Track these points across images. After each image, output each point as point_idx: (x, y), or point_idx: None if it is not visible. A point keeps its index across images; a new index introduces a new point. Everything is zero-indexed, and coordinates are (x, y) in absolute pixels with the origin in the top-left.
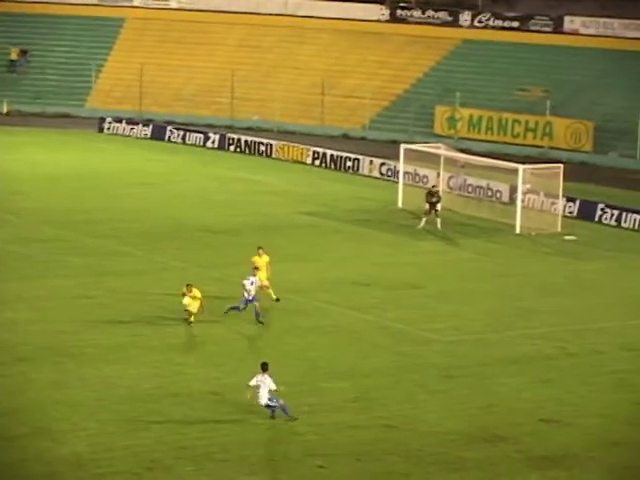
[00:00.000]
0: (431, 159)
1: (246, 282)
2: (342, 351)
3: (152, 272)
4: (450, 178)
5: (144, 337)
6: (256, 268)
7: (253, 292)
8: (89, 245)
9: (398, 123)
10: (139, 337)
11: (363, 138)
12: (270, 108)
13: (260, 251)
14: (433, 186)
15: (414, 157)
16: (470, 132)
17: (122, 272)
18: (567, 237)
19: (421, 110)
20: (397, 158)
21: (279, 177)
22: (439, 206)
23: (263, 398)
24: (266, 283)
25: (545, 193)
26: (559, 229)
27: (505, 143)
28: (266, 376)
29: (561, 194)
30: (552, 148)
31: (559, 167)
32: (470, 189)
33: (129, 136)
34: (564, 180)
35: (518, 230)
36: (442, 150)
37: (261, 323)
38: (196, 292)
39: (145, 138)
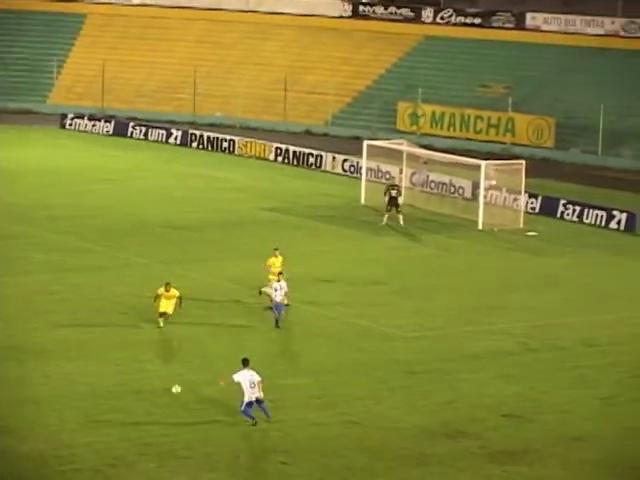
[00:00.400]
0: (394, 155)
1: (270, 290)
2: (305, 348)
3: (114, 268)
4: (413, 174)
5: (106, 334)
6: (280, 273)
7: (279, 298)
8: (51, 241)
9: (361, 119)
10: (101, 334)
11: (326, 134)
12: (233, 104)
13: (276, 252)
14: (392, 184)
15: (377, 153)
16: (433, 128)
17: (84, 268)
18: (529, 233)
19: (384, 106)
20: (360, 154)
21: (242, 173)
22: (400, 201)
23: (259, 392)
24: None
25: (507, 189)
26: (521, 225)
27: (467, 139)
28: (251, 371)
29: (523, 190)
30: (514, 144)
31: (521, 163)
32: (433, 185)
33: (91, 132)
34: (526, 176)
35: (480, 226)
36: (405, 146)
37: (278, 327)
38: (174, 291)
39: (107, 134)
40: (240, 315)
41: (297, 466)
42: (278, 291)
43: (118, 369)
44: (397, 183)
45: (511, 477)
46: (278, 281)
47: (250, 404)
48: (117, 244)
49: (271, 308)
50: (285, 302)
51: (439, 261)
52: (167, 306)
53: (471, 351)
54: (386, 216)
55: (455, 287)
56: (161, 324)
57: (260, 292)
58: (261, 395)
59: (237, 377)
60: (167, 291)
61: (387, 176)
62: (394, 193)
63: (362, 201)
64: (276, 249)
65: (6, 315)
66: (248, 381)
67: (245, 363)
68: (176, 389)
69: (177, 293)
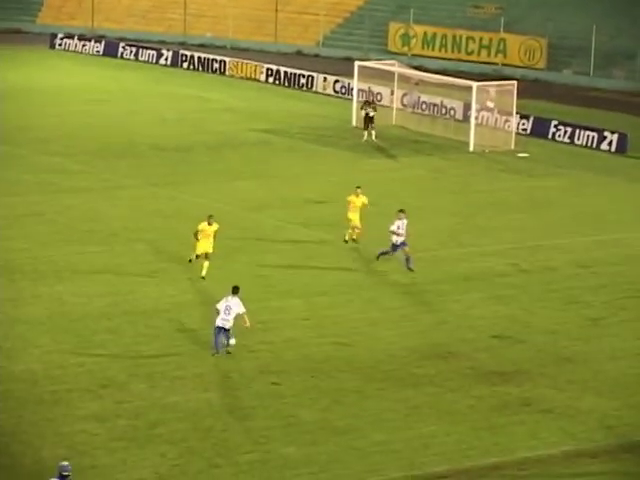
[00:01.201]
0: (385, 76)
1: (392, 227)
2: (296, 269)
3: (105, 190)
4: (404, 95)
5: (97, 255)
6: (401, 211)
7: (402, 238)
8: (41, 163)
9: (352, 40)
10: (92, 255)
11: (317, 55)
12: (223, 25)
13: (358, 190)
14: (367, 100)
15: (368, 74)
16: (424, 49)
17: (74, 190)
18: (520, 154)
19: (375, 27)
20: (351, 75)
21: (232, 94)
22: (374, 117)
23: (229, 322)
24: (357, 224)
25: (499, 110)
26: (512, 146)
27: (459, 60)
28: (236, 299)
29: (515, 111)
30: (506, 65)
31: (513, 84)
32: (424, 106)
33: (81, 52)
34: (517, 97)
35: (472, 148)
36: (396, 67)
37: (411, 270)
38: (216, 225)
39: (97, 55)
40: (232, 237)
41: (288, 386)
42: (401, 229)
43: (109, 290)
44: (371, 100)
45: (501, 397)
46: (400, 219)
47: (218, 330)
48: (107, 166)
49: (387, 252)
50: (346, 239)
51: (430, 182)
52: (207, 245)
53: (462, 273)
54: (365, 133)
55: (446, 208)
56: (193, 258)
57: (346, 241)
58: (229, 325)
59: (219, 304)
60: (210, 224)
61: (378, 97)
62: (369, 109)
63: (353, 122)
64: (358, 187)
65: None
66: (224, 306)
67: (234, 291)
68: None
69: (216, 226)
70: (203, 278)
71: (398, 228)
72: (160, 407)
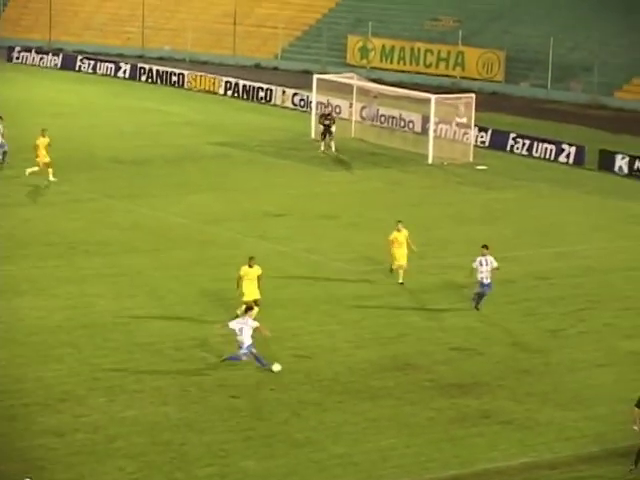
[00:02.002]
0: (344, 89)
1: (475, 264)
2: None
3: (63, 203)
4: (363, 108)
5: (56, 268)
6: (484, 247)
7: (487, 279)
8: None
9: (311, 53)
10: (51, 268)
11: (276, 68)
12: (182, 38)
13: (400, 225)
14: (324, 113)
15: (327, 87)
16: (383, 62)
17: (33, 203)
18: (479, 167)
19: (334, 40)
20: (310, 88)
21: (191, 108)
22: (333, 128)
23: (247, 339)
24: (403, 263)
25: (457, 123)
26: (471, 159)
27: (417, 73)
28: (247, 318)
29: (473, 124)
30: (464, 78)
31: (471, 97)
32: (383, 119)
33: (39, 66)
34: (476, 110)
35: (430, 160)
36: (355, 80)
37: (477, 309)
38: (258, 268)
39: (55, 68)
40: (189, 249)
41: (247, 400)
42: (484, 266)
43: (68, 303)
44: (330, 112)
45: (460, 409)
46: (482, 255)
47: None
48: (65, 179)
49: (479, 294)
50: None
51: (389, 195)
52: (254, 291)
53: (421, 285)
54: (322, 144)
55: (405, 221)
56: (240, 311)
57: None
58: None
59: (232, 324)
60: (250, 267)
61: (337, 110)
62: (327, 122)
63: (312, 135)
64: (400, 221)
65: None
66: (238, 328)
67: (247, 310)
68: (276, 367)
69: (260, 270)
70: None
71: (481, 265)
72: (119, 421)
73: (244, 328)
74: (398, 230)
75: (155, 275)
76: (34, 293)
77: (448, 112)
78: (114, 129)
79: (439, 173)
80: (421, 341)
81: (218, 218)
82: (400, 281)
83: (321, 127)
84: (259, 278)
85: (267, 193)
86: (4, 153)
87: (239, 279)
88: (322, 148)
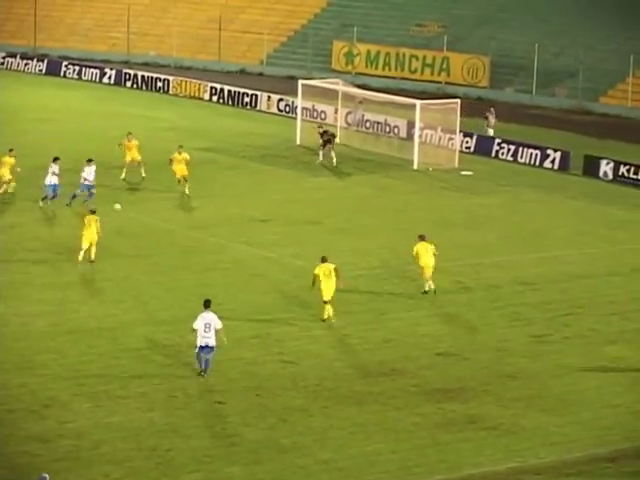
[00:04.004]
0: (329, 95)
1: None
2: (240, 288)
3: (47, 209)
4: (348, 114)
5: (39, 275)
6: None
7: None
8: None
9: (296, 59)
10: (35, 275)
11: (261, 74)
12: (167, 43)
13: (423, 239)
14: (320, 126)
15: (312, 93)
16: (368, 68)
17: (18, 209)
18: (464, 172)
19: (319, 46)
20: (295, 94)
21: (176, 113)
22: (335, 141)
23: (211, 339)
24: (429, 275)
25: (442, 128)
26: (456, 164)
27: (403, 79)
28: (212, 313)
29: (458, 129)
30: (449, 84)
31: (456, 103)
32: (368, 125)
33: (24, 71)
34: (461, 115)
35: (416, 165)
36: (340, 86)
37: None
38: (329, 266)
39: (40, 74)
40: (175, 255)
41: (233, 405)
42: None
43: (52, 309)
44: (327, 129)
45: (446, 414)
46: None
47: (201, 349)
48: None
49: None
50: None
51: (375, 200)
52: (330, 288)
53: (407, 290)
54: (321, 154)
55: (390, 226)
56: (329, 315)
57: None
58: (213, 342)
59: (195, 323)
60: (323, 262)
61: (322, 116)
62: (326, 137)
63: (297, 141)
64: (421, 236)
65: None
66: (202, 324)
67: (206, 305)
68: (118, 207)
69: (333, 266)
70: (324, 320)
71: None
72: (104, 426)
73: (211, 324)
74: (423, 243)
75: (140, 280)
76: (18, 299)
77: (433, 118)
78: (100, 135)
79: (424, 178)
80: (407, 346)
81: (204, 224)
82: (425, 289)
83: (320, 141)
84: (337, 274)
85: (252, 198)
86: (54, 194)
87: (314, 278)
88: (320, 159)
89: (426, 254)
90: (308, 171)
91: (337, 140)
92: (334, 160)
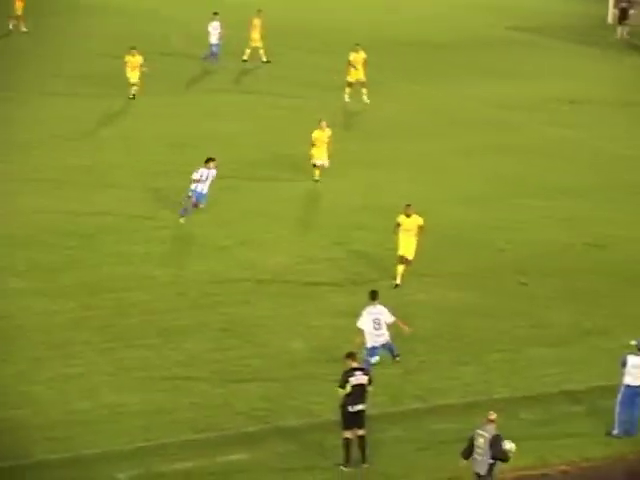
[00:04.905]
0: None
1: None
2: (550, 168)
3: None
4: None
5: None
6: None
7: None
8: (291, 56)
9: None
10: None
11: None
12: None
13: None
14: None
15: None
16: None
17: (323, 85)
18: None
19: None
20: None
21: None
22: (631, 12)
23: (375, 337)
24: None
25: None
26: None
27: None
28: (380, 306)
29: None
30: None
31: None
32: None
33: None
34: None
35: None
36: None
37: None
38: (417, 218)
39: None
40: (482, 134)
41: (538, 287)
42: None
43: (360, 189)
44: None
45: None
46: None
47: (374, 350)
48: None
49: None
50: None
51: None
52: (409, 246)
53: None
54: (618, 29)
55: None
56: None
57: None
58: (386, 339)
59: (360, 323)
60: (408, 216)
61: None
62: (624, 4)
63: (609, 20)
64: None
65: None
66: (372, 322)
67: (373, 297)
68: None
69: (420, 220)
70: (397, 286)
71: None
72: (413, 304)
73: (380, 320)
74: None
75: (445, 160)
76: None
77: None
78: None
79: None
80: None
81: (511, 104)
82: None
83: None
84: (420, 229)
85: (562, 79)
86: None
87: (396, 227)
88: (619, 34)
89: None
90: (618, 51)
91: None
92: (625, 34)
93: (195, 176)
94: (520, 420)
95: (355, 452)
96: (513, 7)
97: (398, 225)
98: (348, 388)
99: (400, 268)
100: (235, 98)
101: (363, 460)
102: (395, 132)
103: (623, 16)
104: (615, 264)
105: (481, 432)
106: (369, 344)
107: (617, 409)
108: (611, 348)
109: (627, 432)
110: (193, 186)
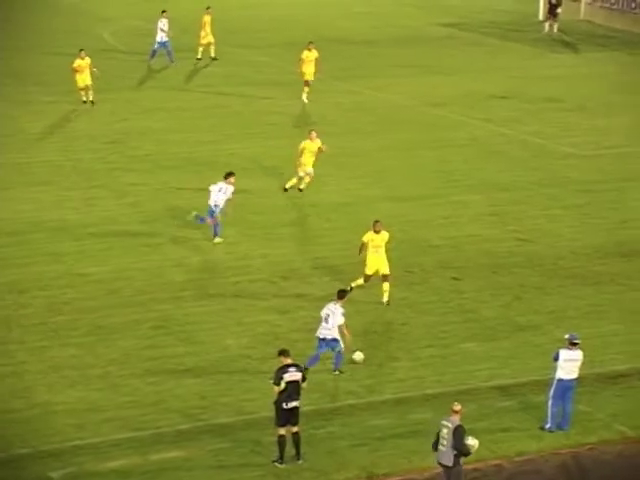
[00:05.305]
0: None
1: None
2: (477, 164)
3: (288, 84)
4: None
5: (279, 149)
6: None
7: None
8: (228, 53)
9: None
10: (273, 148)
11: None
12: None
13: None
14: None
15: None
16: None
17: (258, 82)
18: None
19: None
20: None
21: None
22: (559, 10)
23: (323, 330)
24: None
25: None
26: None
27: None
28: (338, 306)
29: None
30: None
31: None
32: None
33: None
34: None
35: None
36: None
37: None
38: (385, 235)
39: None
40: (413, 131)
41: (468, 282)
42: None
43: None
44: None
45: None
46: None
47: (321, 341)
48: (293, 58)
49: None
50: None
51: (619, 78)
52: (380, 262)
53: None
54: (546, 24)
55: (635, 105)
56: (359, 282)
57: None
58: (333, 337)
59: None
60: (376, 232)
61: None
62: (553, 1)
63: (540, 17)
64: None
65: (182, 128)
66: (324, 314)
67: (339, 295)
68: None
69: (387, 237)
70: (388, 304)
71: None
72: None
73: (330, 316)
74: None
75: (378, 156)
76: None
77: None
78: (342, 9)
79: None
80: None
81: (443, 101)
82: None
83: (547, 6)
84: (386, 246)
85: (491, 75)
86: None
87: (362, 246)
88: (546, 29)
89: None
90: (549, 48)
91: (560, 10)
92: (555, 29)
93: (213, 189)
94: None
95: (289, 449)
96: (446, 5)
97: (365, 243)
98: (282, 385)
99: (385, 285)
100: (169, 95)
101: (297, 457)
102: (330, 130)
103: (552, 12)
104: (544, 259)
105: (445, 422)
106: (318, 333)
107: (549, 403)
108: (541, 343)
109: (559, 426)
110: (212, 202)
